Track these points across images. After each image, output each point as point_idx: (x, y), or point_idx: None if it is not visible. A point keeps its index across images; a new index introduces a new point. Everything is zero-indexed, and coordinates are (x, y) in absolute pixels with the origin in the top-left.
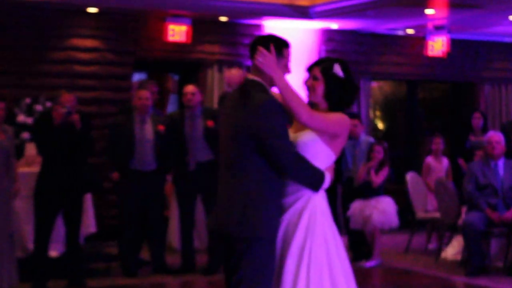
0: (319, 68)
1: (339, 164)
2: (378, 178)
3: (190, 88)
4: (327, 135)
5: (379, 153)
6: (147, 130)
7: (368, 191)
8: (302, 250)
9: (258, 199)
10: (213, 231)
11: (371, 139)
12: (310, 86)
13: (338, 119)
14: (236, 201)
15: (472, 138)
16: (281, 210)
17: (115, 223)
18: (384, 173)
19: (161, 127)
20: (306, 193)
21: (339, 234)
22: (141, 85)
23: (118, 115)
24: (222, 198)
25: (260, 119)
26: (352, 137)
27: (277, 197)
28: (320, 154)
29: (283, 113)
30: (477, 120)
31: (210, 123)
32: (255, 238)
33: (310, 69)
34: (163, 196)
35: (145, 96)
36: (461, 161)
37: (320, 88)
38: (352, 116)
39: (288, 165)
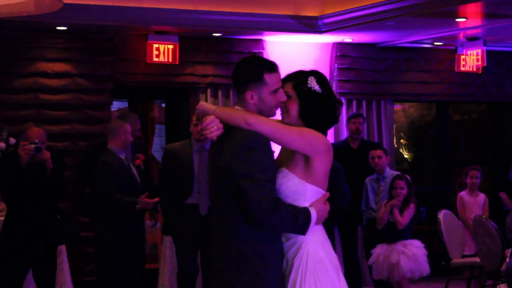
0: (291, 84)
1: (359, 204)
2: (404, 219)
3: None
4: (301, 168)
5: (402, 189)
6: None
7: (393, 234)
8: None
9: (254, 260)
10: None
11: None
12: (282, 106)
13: (309, 133)
14: (229, 263)
15: None
16: (279, 268)
17: (93, 279)
18: (410, 211)
19: (138, 161)
20: (300, 237)
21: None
22: (121, 117)
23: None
24: (216, 258)
25: (238, 157)
26: (376, 171)
27: (278, 254)
28: (302, 193)
29: (264, 151)
30: None
31: None
32: None
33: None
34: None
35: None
36: (503, 195)
37: (294, 107)
38: (375, 146)
39: (263, 217)
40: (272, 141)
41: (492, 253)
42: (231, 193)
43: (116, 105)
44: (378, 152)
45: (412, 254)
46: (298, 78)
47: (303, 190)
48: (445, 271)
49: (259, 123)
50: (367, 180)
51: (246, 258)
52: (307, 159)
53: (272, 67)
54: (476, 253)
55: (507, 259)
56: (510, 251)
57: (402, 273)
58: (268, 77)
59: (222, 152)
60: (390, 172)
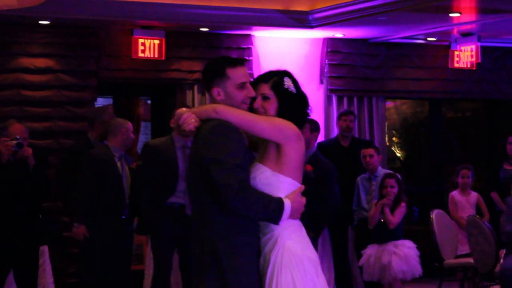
0: (269, 85)
1: (350, 203)
2: (395, 218)
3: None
4: (274, 159)
5: (393, 187)
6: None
7: (384, 234)
8: None
9: (228, 250)
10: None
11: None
12: (260, 107)
13: (279, 120)
14: (205, 254)
15: (508, 167)
16: (258, 253)
17: (77, 281)
18: (401, 211)
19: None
20: (276, 231)
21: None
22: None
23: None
24: (193, 251)
25: (206, 143)
26: (367, 170)
27: (252, 248)
28: (276, 186)
29: (232, 137)
30: None
31: None
32: None
33: (254, 87)
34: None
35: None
36: (494, 195)
37: (272, 108)
38: (366, 145)
39: (231, 200)
40: (242, 129)
41: (486, 254)
42: (203, 181)
43: (100, 102)
44: (370, 150)
45: (403, 254)
46: (274, 78)
47: (276, 182)
48: (438, 272)
49: (227, 111)
50: (358, 179)
51: (219, 248)
52: (278, 148)
53: (234, 61)
54: (470, 253)
55: (501, 260)
56: (504, 252)
57: (393, 274)
58: (230, 72)
59: (194, 144)
60: (382, 171)
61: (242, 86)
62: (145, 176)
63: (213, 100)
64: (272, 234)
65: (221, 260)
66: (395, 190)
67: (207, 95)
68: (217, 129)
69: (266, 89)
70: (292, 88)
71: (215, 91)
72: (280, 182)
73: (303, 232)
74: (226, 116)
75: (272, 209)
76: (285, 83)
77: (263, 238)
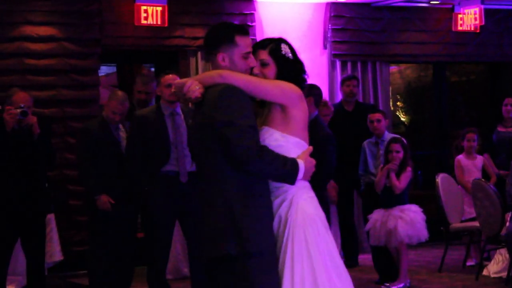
0: (267, 51)
1: (355, 168)
2: (401, 183)
3: (171, 78)
4: (280, 121)
5: (398, 152)
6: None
7: (390, 199)
8: (282, 265)
9: (245, 212)
10: (202, 257)
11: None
12: (259, 74)
13: (282, 82)
14: (217, 216)
15: (501, 129)
16: (271, 219)
17: (84, 249)
18: (407, 175)
19: None
20: (290, 192)
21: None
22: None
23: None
24: (206, 217)
25: (218, 108)
26: (374, 134)
27: (267, 204)
28: (285, 146)
29: (242, 99)
30: (508, 107)
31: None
32: (250, 253)
33: (252, 54)
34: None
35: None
36: (486, 157)
37: (271, 73)
38: (373, 109)
39: (249, 162)
40: (248, 92)
41: (492, 218)
42: (216, 146)
43: (104, 70)
44: (377, 115)
45: (409, 219)
46: (271, 45)
47: (286, 143)
48: (444, 236)
49: (233, 76)
50: (365, 143)
51: (238, 211)
52: (283, 110)
53: (244, 30)
54: (476, 217)
55: (507, 224)
56: (510, 215)
57: (399, 238)
58: (239, 39)
59: (201, 111)
60: (389, 136)
61: (247, 55)
62: (136, 147)
63: (215, 66)
64: (286, 195)
65: (238, 222)
66: (400, 155)
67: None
68: (226, 92)
69: (264, 55)
70: (289, 54)
71: (220, 56)
72: (289, 143)
73: (313, 192)
74: (232, 80)
75: (289, 169)
76: (282, 49)
77: (275, 200)
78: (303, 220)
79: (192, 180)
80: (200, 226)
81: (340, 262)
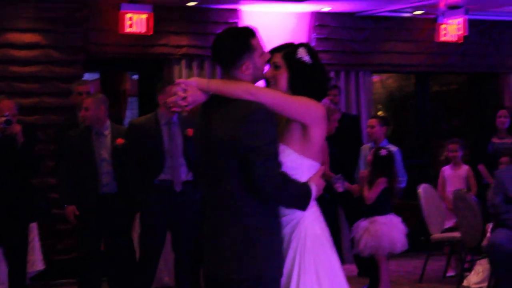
0: (280, 55)
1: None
2: (371, 193)
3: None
4: (298, 141)
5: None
6: (104, 145)
7: (371, 209)
8: (288, 283)
9: (257, 234)
10: (208, 277)
11: (393, 147)
12: (271, 77)
13: (307, 100)
14: (231, 238)
15: (496, 140)
16: (283, 242)
17: (67, 258)
18: (378, 187)
19: (119, 141)
20: (297, 213)
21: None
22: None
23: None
24: (213, 235)
25: (245, 130)
26: (371, 140)
27: (279, 228)
28: (299, 169)
29: (271, 123)
30: (503, 119)
31: (191, 131)
32: (257, 278)
33: (270, 57)
34: (129, 224)
35: (86, 105)
36: (481, 168)
37: (283, 78)
38: (373, 116)
39: (272, 192)
40: (274, 110)
41: (473, 228)
42: (236, 167)
43: (86, 77)
44: (372, 121)
45: (389, 229)
46: (288, 48)
47: (300, 166)
48: (425, 247)
49: (262, 93)
50: (362, 148)
51: (254, 234)
52: (304, 130)
53: (253, 31)
54: (457, 227)
55: (488, 234)
56: (491, 226)
57: (380, 248)
58: (254, 42)
59: (223, 127)
60: (386, 144)
61: (263, 53)
62: (132, 155)
63: (237, 76)
64: (293, 216)
65: (253, 245)
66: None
67: (194, 70)
68: (257, 115)
69: (278, 58)
70: (306, 58)
71: (245, 66)
72: (303, 166)
73: (319, 210)
74: (262, 98)
75: (304, 197)
76: (299, 53)
77: (283, 218)
78: (312, 244)
79: (186, 189)
80: (211, 243)
81: (343, 281)
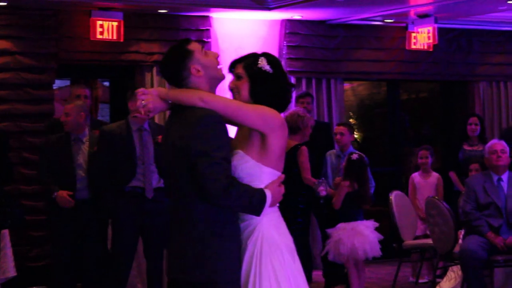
0: (241, 65)
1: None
2: (336, 198)
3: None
4: (257, 148)
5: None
6: (81, 152)
7: (342, 215)
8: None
9: (207, 239)
10: (169, 278)
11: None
12: (234, 87)
13: (264, 109)
14: (184, 243)
15: (467, 147)
16: (239, 247)
17: (39, 264)
18: (343, 189)
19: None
20: (254, 219)
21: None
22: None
23: (48, 134)
24: (172, 239)
25: (194, 134)
26: (339, 147)
27: (232, 234)
28: (258, 176)
29: (220, 129)
30: (473, 127)
31: (161, 138)
32: (211, 281)
33: (232, 68)
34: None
35: (67, 110)
36: (452, 175)
37: (245, 87)
38: (339, 123)
39: (217, 195)
40: (227, 118)
41: (445, 235)
42: (188, 173)
43: (57, 84)
44: (341, 128)
45: (363, 235)
46: (249, 59)
47: (259, 173)
48: (396, 253)
49: (214, 100)
50: (327, 154)
51: (206, 239)
52: (262, 138)
53: (188, 39)
54: (426, 234)
55: (460, 241)
56: (463, 233)
57: (354, 254)
58: (190, 46)
59: (177, 132)
60: (352, 151)
61: (206, 52)
62: (103, 162)
63: (192, 84)
64: (251, 222)
65: (206, 250)
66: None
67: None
68: (206, 121)
69: (239, 68)
70: (267, 67)
71: (194, 69)
72: (262, 173)
73: (280, 218)
74: (214, 105)
75: (255, 203)
76: (259, 62)
77: (241, 224)
78: (268, 248)
79: (158, 196)
80: (169, 244)
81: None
